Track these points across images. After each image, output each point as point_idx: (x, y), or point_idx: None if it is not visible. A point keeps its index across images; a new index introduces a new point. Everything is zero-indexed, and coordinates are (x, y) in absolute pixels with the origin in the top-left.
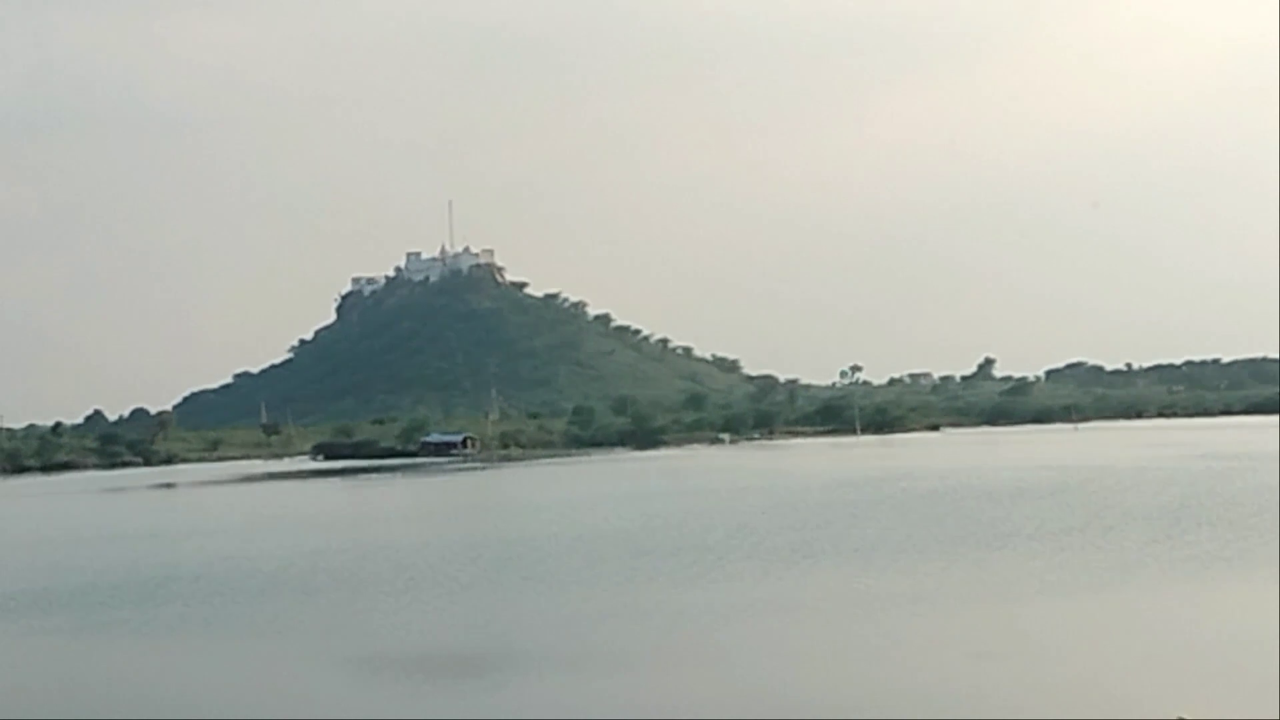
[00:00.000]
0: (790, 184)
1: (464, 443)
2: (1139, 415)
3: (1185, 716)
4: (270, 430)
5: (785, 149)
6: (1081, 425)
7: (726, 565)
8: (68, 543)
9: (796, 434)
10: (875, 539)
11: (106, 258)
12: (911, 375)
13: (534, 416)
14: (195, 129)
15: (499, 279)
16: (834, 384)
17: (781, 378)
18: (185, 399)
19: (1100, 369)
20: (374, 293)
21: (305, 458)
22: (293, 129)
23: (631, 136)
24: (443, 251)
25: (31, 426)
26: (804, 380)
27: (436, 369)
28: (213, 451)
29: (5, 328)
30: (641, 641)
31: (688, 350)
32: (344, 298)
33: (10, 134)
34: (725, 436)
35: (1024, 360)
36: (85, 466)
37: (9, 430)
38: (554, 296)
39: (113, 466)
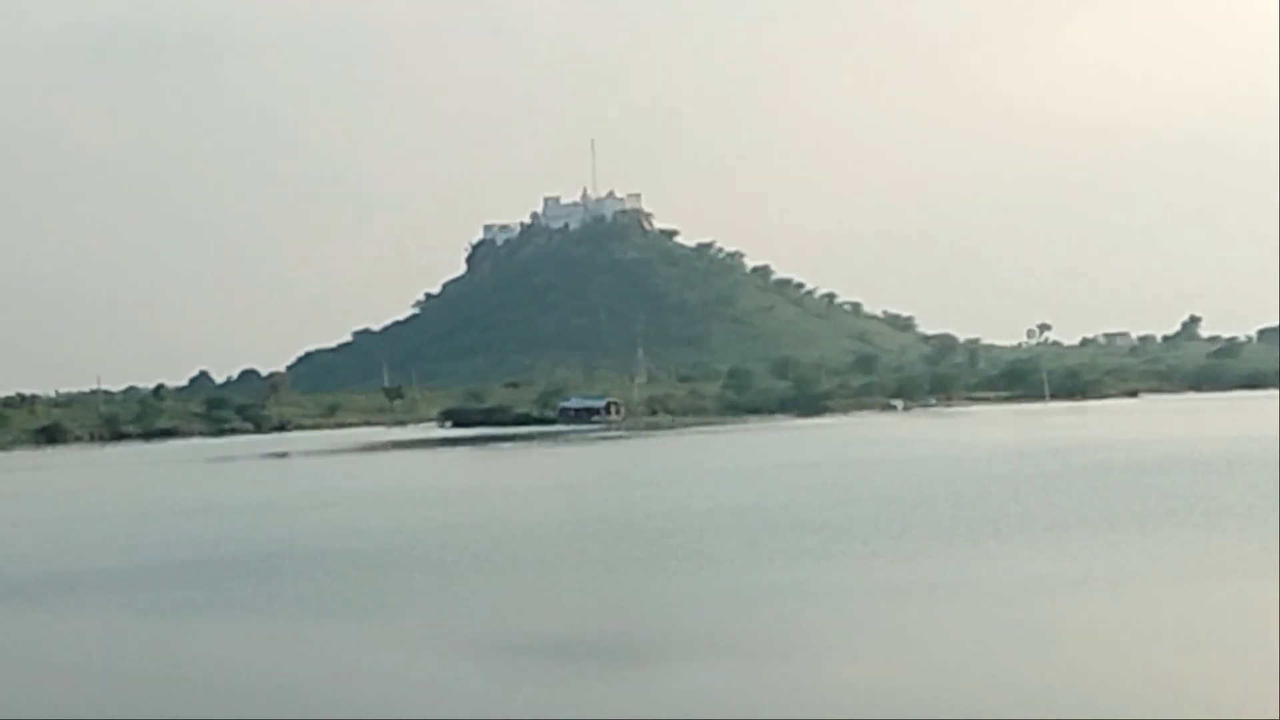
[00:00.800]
0: (971, 118)
1: (607, 409)
2: None
3: None
4: (393, 394)
5: (966, 79)
6: None
7: (904, 543)
8: (172, 516)
9: (977, 400)
10: (1069, 515)
11: (213, 206)
12: (1107, 335)
13: (685, 380)
14: (310, 62)
15: (646, 226)
16: (1020, 344)
17: (961, 337)
18: (300, 359)
19: None
20: (508, 241)
21: (431, 424)
22: (417, 62)
23: (794, 66)
24: (584, 196)
25: (131, 389)
26: (986, 340)
27: (576, 326)
28: (330, 417)
29: (103, 281)
30: (811, 626)
31: (856, 306)
32: (475, 247)
33: (120, 66)
34: (898, 403)
35: (1233, 318)
36: (189, 433)
37: (106, 393)
38: (707, 246)
39: (220, 433)
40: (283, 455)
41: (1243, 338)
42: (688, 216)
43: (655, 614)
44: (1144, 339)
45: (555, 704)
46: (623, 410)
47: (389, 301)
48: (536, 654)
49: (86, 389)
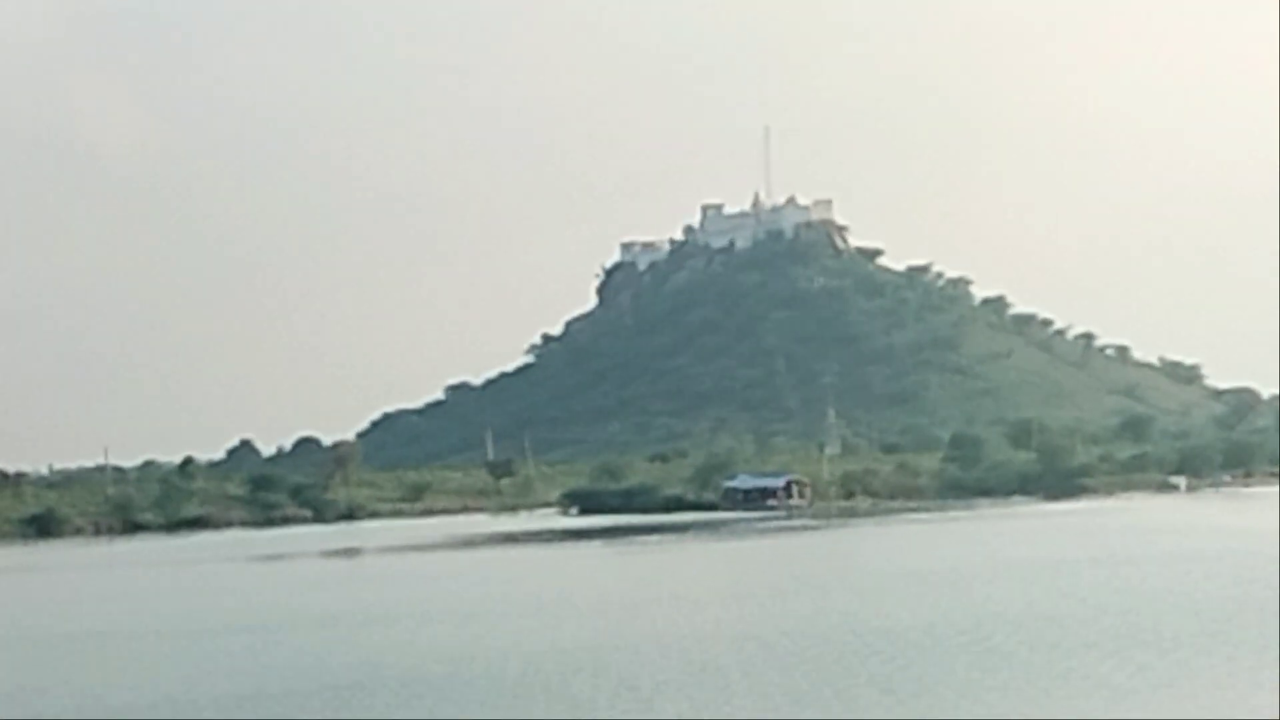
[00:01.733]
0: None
1: (787, 489)
2: None
3: None
4: (500, 470)
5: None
6: None
7: (1201, 665)
8: (205, 635)
9: None
10: None
11: (257, 228)
12: None
13: (891, 450)
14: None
15: (839, 243)
16: None
17: (1264, 393)
18: (375, 424)
19: None
20: (653, 265)
21: (552, 511)
22: (533, 38)
23: (1030, 42)
24: (756, 203)
25: (149, 464)
26: None
27: (746, 379)
28: (415, 502)
29: (113, 324)
30: None
31: (1123, 351)
32: (609, 273)
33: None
34: (1179, 481)
35: None
36: (227, 523)
37: (117, 469)
38: (922, 270)
39: (268, 523)
40: (353, 553)
41: None
42: (895, 232)
43: None
44: None
45: None
46: (808, 492)
47: (494, 347)
48: None
49: (90, 464)
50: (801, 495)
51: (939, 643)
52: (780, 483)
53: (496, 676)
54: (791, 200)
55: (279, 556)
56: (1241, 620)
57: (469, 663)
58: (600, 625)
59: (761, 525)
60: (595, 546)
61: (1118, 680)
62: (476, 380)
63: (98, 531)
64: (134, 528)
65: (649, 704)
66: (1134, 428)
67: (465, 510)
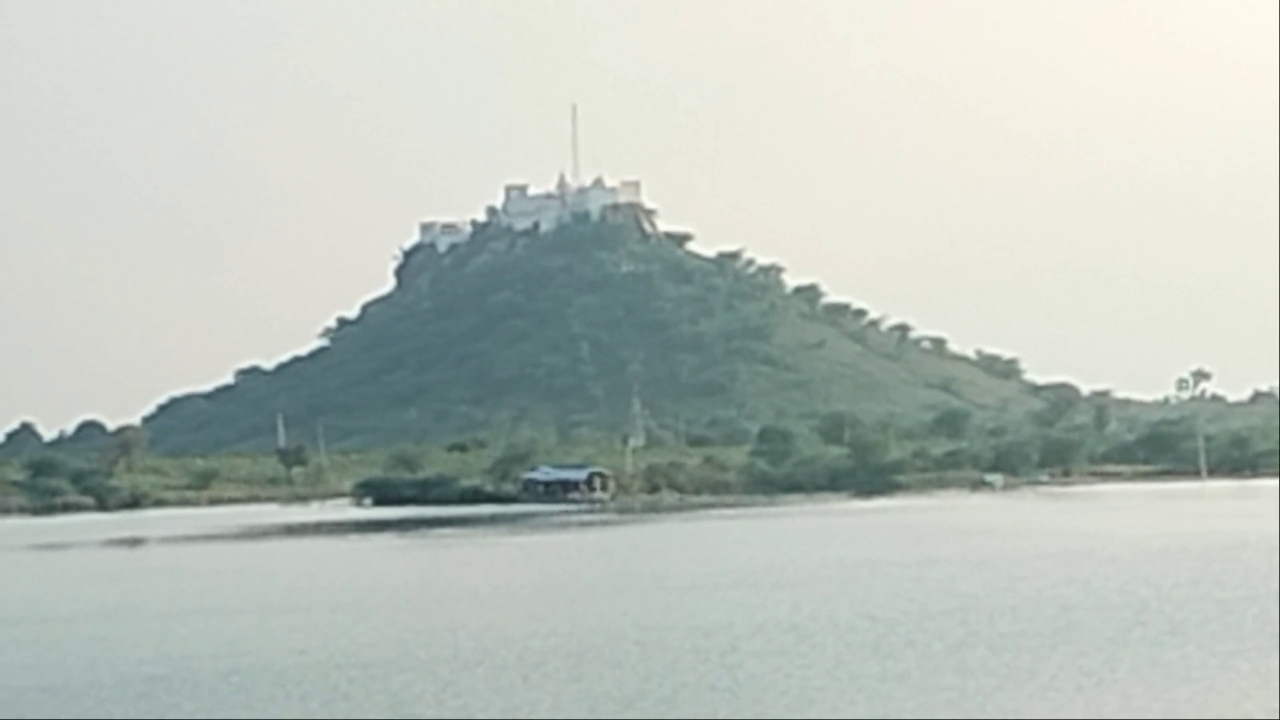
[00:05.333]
0: (1099, 86)
1: (590, 482)
2: None
3: None
4: (291, 458)
5: (1090, 32)
6: None
7: (1042, 669)
8: None
9: (1107, 475)
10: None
11: (38, 196)
12: None
13: (699, 443)
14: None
15: (647, 227)
16: (1166, 399)
17: (1084, 388)
18: (161, 409)
19: None
20: (454, 247)
21: (344, 501)
22: (330, 11)
23: (841, 14)
24: (561, 184)
25: None
26: (1120, 393)
27: (549, 366)
28: (203, 490)
29: None
30: None
31: (938, 344)
32: (407, 255)
33: None
34: (995, 478)
35: None
36: (6, 510)
37: None
38: (732, 256)
39: (49, 511)
40: (137, 542)
41: None
42: (705, 216)
43: None
44: None
45: None
46: (612, 485)
47: (286, 329)
48: None
49: None
50: (605, 488)
51: (759, 643)
52: (583, 475)
53: (286, 674)
54: (598, 181)
55: (59, 545)
56: (1076, 626)
57: (257, 660)
58: (386, 624)
59: (563, 519)
60: (389, 539)
61: (948, 681)
62: (268, 364)
63: None
64: None
65: (444, 705)
66: (949, 423)
67: (255, 499)
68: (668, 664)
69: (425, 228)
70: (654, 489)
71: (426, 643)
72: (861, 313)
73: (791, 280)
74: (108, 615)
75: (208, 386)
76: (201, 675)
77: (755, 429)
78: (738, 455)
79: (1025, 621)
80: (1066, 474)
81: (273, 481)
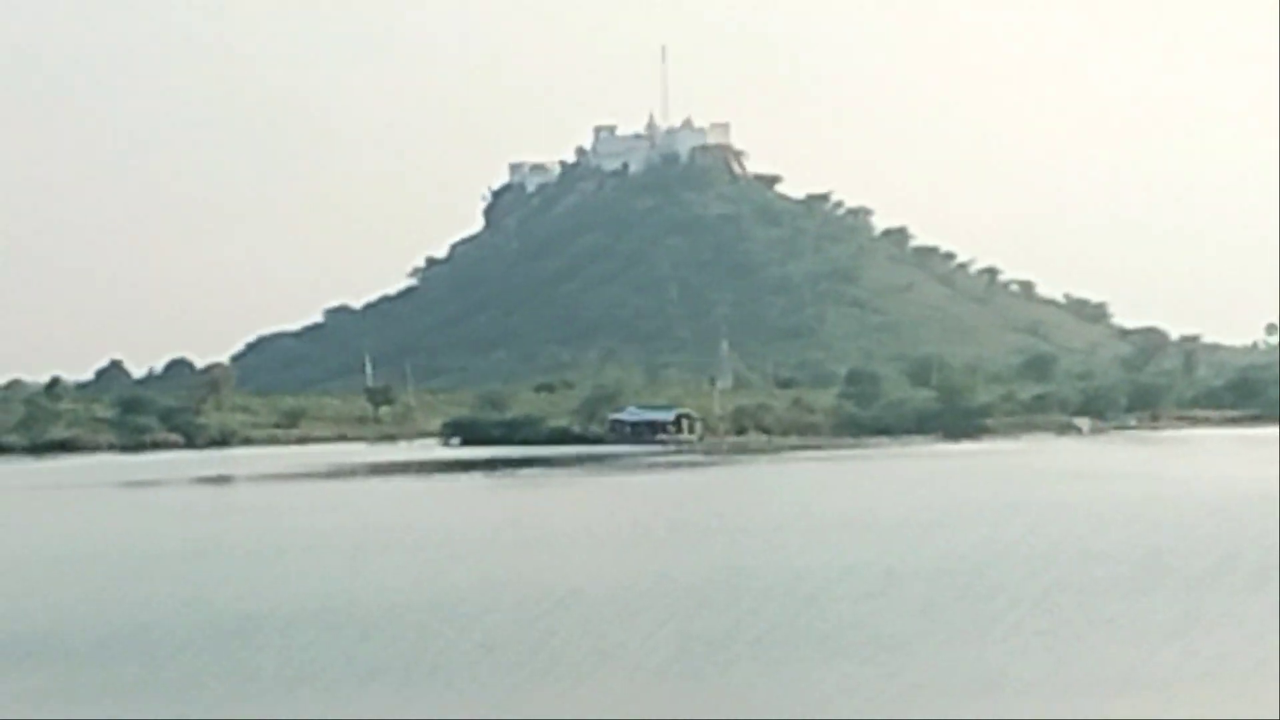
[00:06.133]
0: (1194, 33)
1: (677, 423)
2: None
3: None
4: (379, 398)
5: None
6: None
7: (1134, 614)
8: (72, 564)
9: (1195, 420)
10: None
11: (128, 140)
12: None
13: (786, 385)
14: None
15: (737, 169)
16: (1255, 344)
17: (1173, 333)
18: (250, 347)
19: None
20: (543, 188)
21: (432, 441)
22: None
23: None
24: (650, 125)
25: (14, 384)
26: (1208, 338)
27: (636, 308)
28: (290, 429)
29: None
30: None
31: (1027, 287)
32: (496, 195)
33: None
34: (1083, 422)
35: None
36: (96, 447)
37: None
38: (821, 199)
39: (138, 448)
40: (224, 480)
41: None
42: (794, 159)
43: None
44: None
45: None
46: (699, 427)
47: (375, 270)
48: None
49: None
50: (691, 430)
51: (848, 586)
52: (670, 416)
53: (377, 613)
54: (687, 123)
55: (148, 483)
56: (1170, 569)
57: (348, 599)
58: (475, 566)
59: (650, 460)
60: (477, 479)
61: (1044, 626)
62: (357, 303)
63: None
64: None
65: (541, 653)
66: (1037, 367)
67: (342, 438)
68: (757, 606)
69: (514, 168)
70: (741, 431)
71: (516, 583)
72: (950, 256)
73: (880, 223)
74: (197, 553)
75: (296, 325)
76: (293, 614)
77: (843, 371)
78: (825, 398)
79: (1114, 566)
80: (1154, 419)
81: (360, 421)
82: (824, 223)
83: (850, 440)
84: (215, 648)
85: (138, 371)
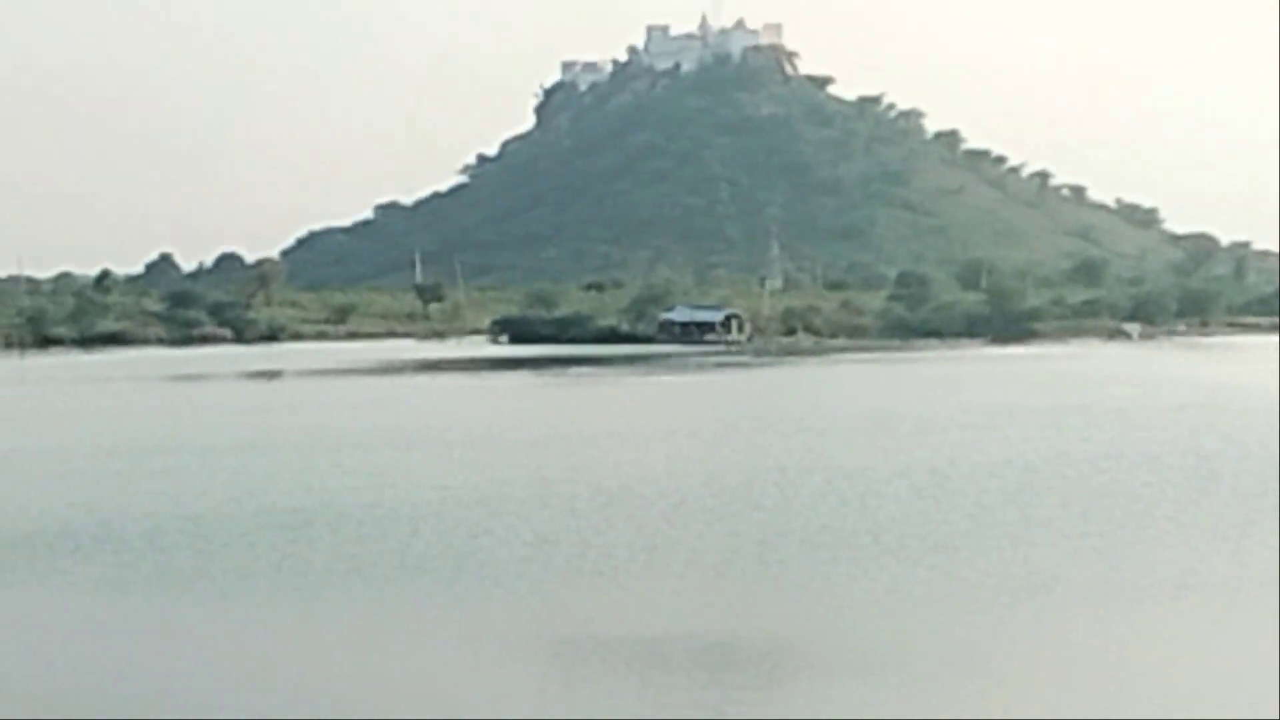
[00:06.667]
0: None
1: (726, 324)
2: None
3: None
4: (429, 295)
5: None
6: None
7: (1185, 520)
8: (121, 457)
9: (1245, 327)
10: None
11: (179, 33)
12: None
13: (836, 287)
14: None
15: (789, 70)
16: None
17: (1224, 239)
18: (300, 243)
19: None
20: (594, 87)
21: (481, 339)
22: None
23: None
24: (703, 25)
25: (64, 277)
26: (1259, 245)
27: (687, 208)
28: (340, 324)
29: (29, 131)
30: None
31: (1079, 192)
32: (548, 93)
33: None
34: (1133, 328)
35: None
36: (144, 340)
37: (30, 281)
38: (873, 101)
39: (187, 342)
40: (273, 375)
41: None
42: (846, 60)
43: (809, 623)
44: None
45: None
46: (748, 327)
47: (426, 166)
48: (621, 661)
49: (2, 274)
50: (741, 330)
51: (899, 486)
52: (719, 317)
53: (414, 513)
54: (740, 23)
55: (198, 376)
56: (1220, 475)
57: (387, 494)
58: (526, 463)
59: (699, 360)
60: (526, 376)
61: (1095, 530)
62: (407, 200)
63: (8, 345)
64: (47, 342)
65: (566, 545)
66: (1087, 271)
67: (391, 335)
68: (808, 506)
69: (566, 66)
70: (790, 332)
71: (567, 479)
72: (1001, 159)
73: (932, 126)
74: (248, 447)
75: (346, 221)
76: (343, 508)
77: (893, 274)
78: (874, 300)
79: (1165, 471)
80: (1204, 325)
81: (410, 317)
82: (876, 125)
83: (898, 343)
84: (266, 541)
85: (187, 265)
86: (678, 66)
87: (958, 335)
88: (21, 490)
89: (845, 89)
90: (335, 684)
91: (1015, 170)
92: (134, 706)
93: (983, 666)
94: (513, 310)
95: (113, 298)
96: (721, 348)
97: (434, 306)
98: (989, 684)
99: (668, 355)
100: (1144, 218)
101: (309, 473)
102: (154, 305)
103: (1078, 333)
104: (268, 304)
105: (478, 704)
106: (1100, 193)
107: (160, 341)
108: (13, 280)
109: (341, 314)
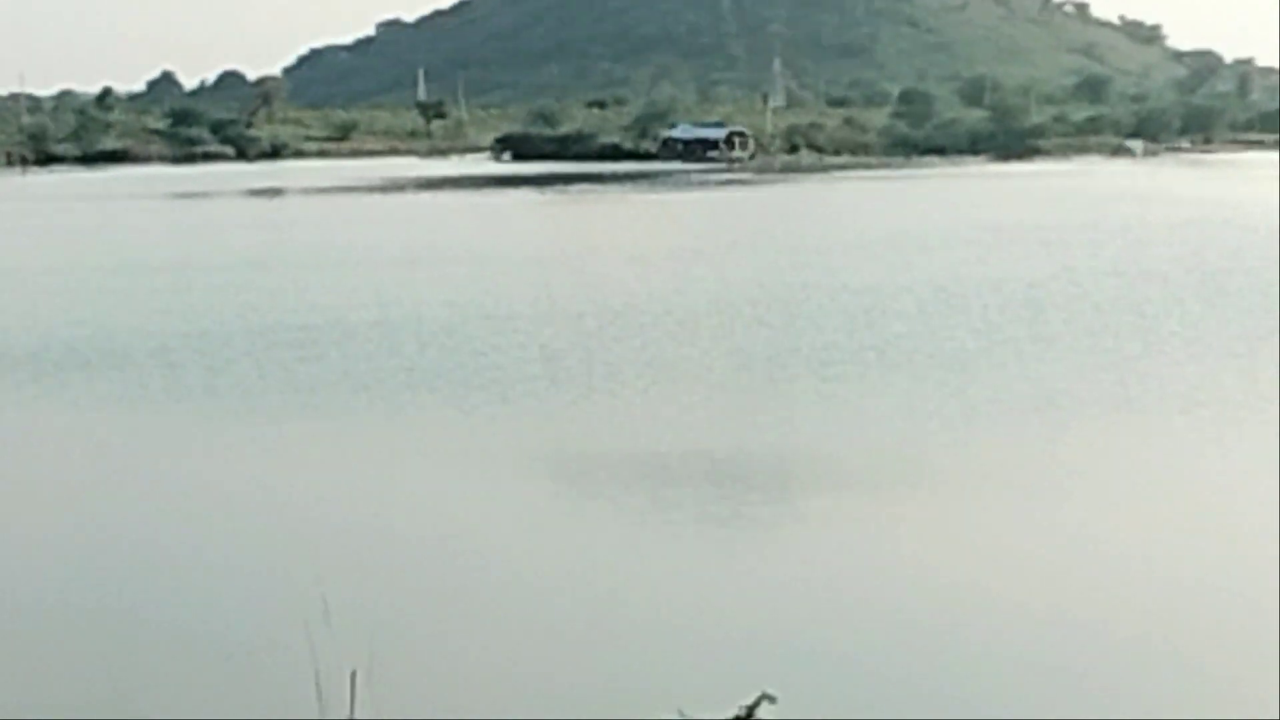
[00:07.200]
0: None
1: (729, 141)
2: None
3: None
4: (431, 112)
5: None
6: None
7: (1191, 334)
8: (124, 274)
9: (1249, 144)
10: None
11: None
12: None
13: (839, 104)
14: None
15: None
16: None
17: (1227, 56)
18: (302, 59)
19: None
20: None
21: (483, 156)
22: None
23: None
24: None
25: (66, 94)
26: (1262, 61)
27: (690, 24)
28: (342, 142)
29: None
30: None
31: (1082, 9)
32: None
33: None
34: (1135, 144)
35: None
36: (146, 157)
37: (30, 98)
38: None
39: (189, 160)
40: (276, 193)
41: None
42: None
43: (802, 436)
44: None
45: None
46: (751, 144)
47: None
48: (629, 474)
49: (4, 92)
50: (743, 148)
51: (906, 303)
52: (722, 134)
53: (420, 329)
54: None
55: (201, 194)
56: (1226, 290)
57: (393, 310)
58: (528, 279)
59: (701, 178)
60: (528, 194)
61: (1102, 345)
62: (409, 17)
63: (10, 162)
64: (49, 159)
65: (598, 366)
66: (1091, 88)
67: (393, 152)
68: (814, 322)
69: None
70: (793, 149)
71: (572, 296)
72: None
73: None
74: (252, 264)
75: (348, 38)
76: (349, 324)
77: (896, 91)
78: (878, 117)
79: (1170, 287)
80: (1207, 141)
81: (412, 134)
82: None
83: (901, 160)
84: (273, 357)
85: (189, 83)
86: None
87: (961, 152)
88: (27, 307)
89: None
90: (345, 499)
91: None
92: (145, 521)
93: (992, 480)
94: (515, 128)
95: (114, 115)
96: (724, 165)
97: (436, 124)
98: (999, 498)
99: (670, 173)
100: (1147, 34)
101: (314, 290)
102: (156, 123)
103: (1081, 150)
104: (270, 122)
105: (488, 518)
106: (1103, 9)
107: (162, 159)
108: (13, 98)
109: (344, 131)
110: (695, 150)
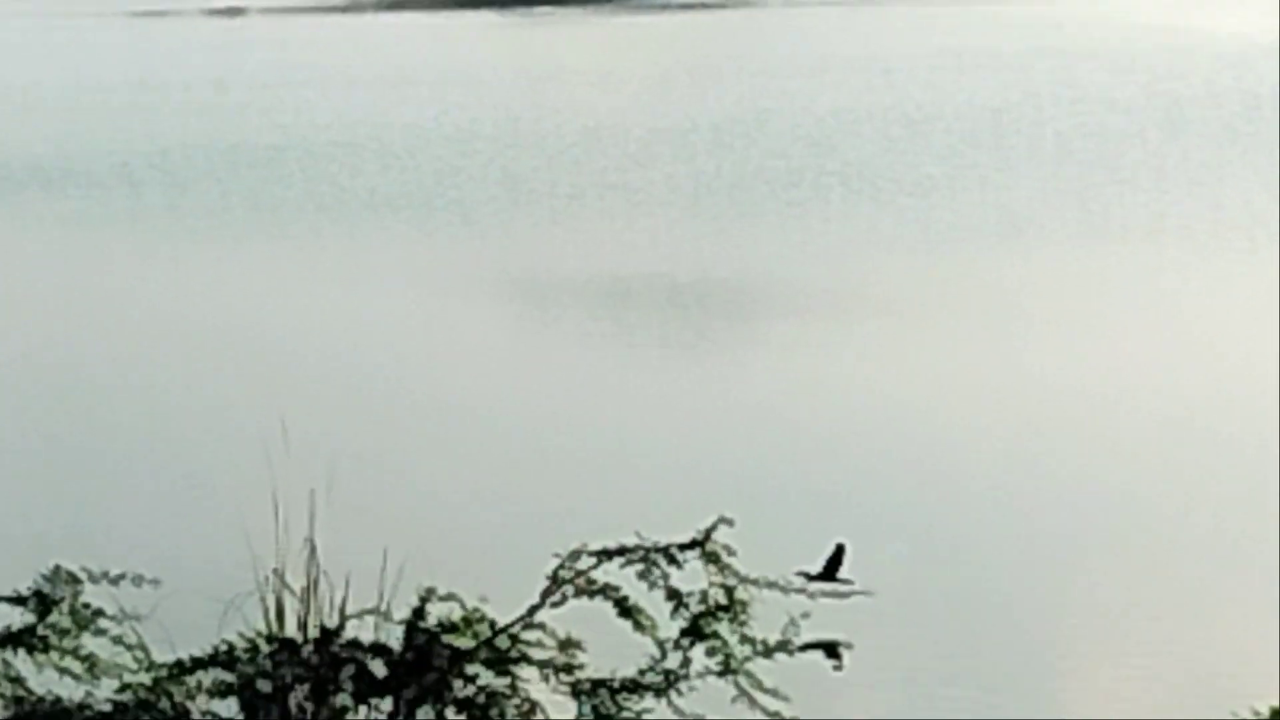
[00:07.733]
0: None
1: None
2: None
3: None
4: None
5: None
6: None
7: (1151, 167)
8: (84, 93)
9: None
10: None
11: None
12: None
13: None
14: None
15: None
16: None
17: None
18: None
19: None
20: None
21: None
22: None
23: None
24: None
25: None
26: None
27: None
28: None
29: None
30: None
31: None
32: None
33: None
34: None
35: None
36: None
37: None
38: None
39: None
40: (236, 12)
41: None
42: None
43: (764, 260)
44: None
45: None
46: None
47: None
48: (593, 297)
49: None
50: None
51: (870, 130)
52: None
53: (384, 149)
54: None
55: (157, 13)
56: (1190, 120)
57: (356, 131)
58: (493, 101)
59: (663, 1)
60: (490, 16)
61: (1066, 173)
62: None
63: None
64: None
65: (560, 189)
66: None
67: None
68: (779, 148)
69: None
70: None
71: (534, 120)
72: None
73: None
74: (214, 84)
75: None
76: (313, 145)
77: None
78: None
79: (1135, 116)
80: None
81: None
82: None
83: None
84: (236, 177)
85: None
86: None
87: None
88: None
89: None
90: (308, 321)
91: None
92: (106, 343)
93: (955, 306)
94: None
95: None
96: None
97: None
98: (961, 324)
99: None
100: None
101: (277, 110)
102: None
103: None
104: None
105: (450, 342)
106: None
107: None
108: None
109: None
110: None
